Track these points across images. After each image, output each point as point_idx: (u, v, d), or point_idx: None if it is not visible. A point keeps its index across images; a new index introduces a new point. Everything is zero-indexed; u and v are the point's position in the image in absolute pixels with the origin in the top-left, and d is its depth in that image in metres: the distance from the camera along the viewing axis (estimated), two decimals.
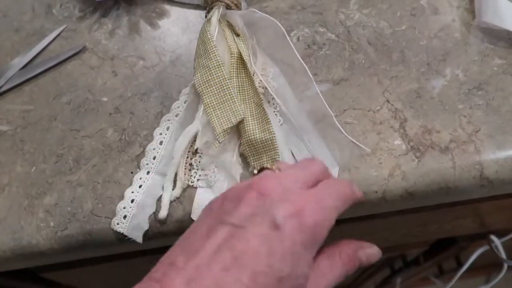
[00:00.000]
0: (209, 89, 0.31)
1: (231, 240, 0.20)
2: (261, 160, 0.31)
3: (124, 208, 0.31)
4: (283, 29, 0.33)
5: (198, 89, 0.32)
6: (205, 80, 0.31)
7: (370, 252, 0.25)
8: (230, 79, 0.32)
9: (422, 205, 0.35)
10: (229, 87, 0.31)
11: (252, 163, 0.32)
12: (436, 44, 0.38)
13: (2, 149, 0.35)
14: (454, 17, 0.40)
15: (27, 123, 0.36)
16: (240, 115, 0.31)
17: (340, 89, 0.36)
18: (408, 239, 0.50)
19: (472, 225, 0.48)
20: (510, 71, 0.37)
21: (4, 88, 0.37)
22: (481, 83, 0.36)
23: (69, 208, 0.32)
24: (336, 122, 0.34)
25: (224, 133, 0.31)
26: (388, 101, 0.36)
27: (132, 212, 0.31)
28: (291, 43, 0.33)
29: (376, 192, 0.32)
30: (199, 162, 0.32)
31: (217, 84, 0.31)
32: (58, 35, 0.40)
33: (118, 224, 0.30)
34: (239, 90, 0.32)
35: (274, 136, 0.31)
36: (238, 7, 0.35)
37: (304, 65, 0.33)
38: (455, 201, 0.35)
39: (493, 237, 0.52)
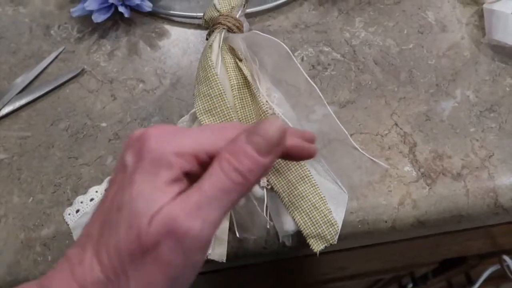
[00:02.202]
0: (211, 119, 0.30)
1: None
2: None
3: (82, 202, 0.32)
4: (289, 50, 0.32)
5: (199, 118, 0.30)
6: (206, 109, 0.30)
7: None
8: (234, 109, 0.31)
9: (433, 233, 0.34)
10: (232, 118, 0.30)
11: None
12: (445, 64, 0.37)
13: None
14: (463, 35, 0.39)
15: (24, 150, 0.35)
16: None
17: (347, 112, 0.35)
18: (417, 259, 0.49)
19: (483, 246, 0.46)
20: None
21: (1, 114, 0.36)
22: (493, 105, 0.35)
23: (67, 241, 0.31)
24: (352, 140, 0.32)
25: None
26: (396, 124, 0.34)
27: (86, 209, 0.31)
28: (297, 63, 0.32)
29: (386, 221, 0.31)
30: None
31: (219, 114, 0.30)
32: (56, 57, 0.39)
33: (69, 214, 0.32)
34: (245, 119, 0.31)
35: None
36: (240, 29, 0.34)
37: (314, 86, 0.32)
38: (467, 228, 0.34)
39: (505, 257, 0.51)
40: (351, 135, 0.34)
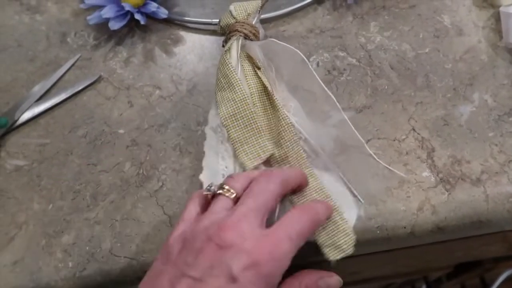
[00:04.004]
0: (235, 123, 0.30)
1: None
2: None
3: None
4: (304, 58, 0.32)
5: (224, 123, 0.31)
6: (231, 113, 0.30)
7: (330, 281, 0.26)
8: (260, 117, 0.31)
9: (452, 238, 0.33)
10: (256, 121, 0.30)
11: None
12: (462, 68, 0.37)
13: (19, 185, 0.34)
14: (480, 38, 0.38)
15: (43, 157, 0.35)
16: (269, 150, 0.30)
17: (363, 117, 0.35)
18: (432, 264, 0.48)
19: (500, 250, 0.46)
20: None
21: (20, 121, 0.37)
22: (511, 109, 0.35)
23: (87, 248, 0.31)
24: (368, 148, 0.32)
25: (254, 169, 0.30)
26: (414, 129, 0.34)
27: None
28: (313, 71, 0.32)
29: (405, 227, 0.31)
30: None
31: (243, 118, 0.30)
32: (73, 64, 0.40)
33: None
34: (267, 126, 0.31)
35: (312, 170, 0.30)
36: (256, 36, 0.34)
37: (330, 94, 0.32)
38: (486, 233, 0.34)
39: None
40: (368, 140, 0.34)
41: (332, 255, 0.28)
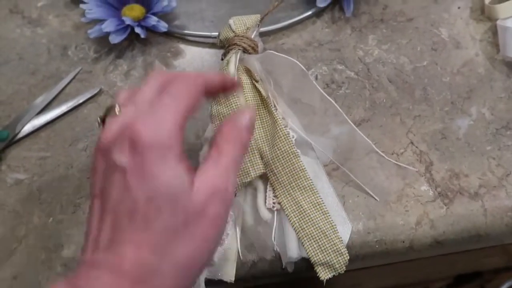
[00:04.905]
0: None
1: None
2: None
3: None
4: (304, 68, 0.33)
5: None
6: None
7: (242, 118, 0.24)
8: (257, 130, 0.31)
9: (450, 252, 0.33)
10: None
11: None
12: (459, 81, 0.37)
13: (20, 199, 0.34)
14: (477, 51, 0.39)
15: (44, 171, 0.35)
16: (261, 169, 0.30)
17: (362, 130, 0.35)
18: (433, 275, 0.48)
19: (500, 261, 0.46)
20: None
21: (21, 135, 0.37)
22: (509, 122, 0.35)
23: None
24: (377, 149, 0.33)
25: (241, 186, 0.30)
26: (412, 142, 0.34)
27: None
28: (313, 81, 0.32)
29: (403, 242, 0.31)
30: None
31: None
32: (74, 77, 0.40)
33: None
34: (264, 139, 0.31)
35: (312, 183, 0.30)
36: (255, 50, 0.34)
37: (332, 101, 0.32)
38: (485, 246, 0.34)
39: None
40: (366, 154, 0.34)
41: (324, 274, 0.29)
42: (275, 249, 0.30)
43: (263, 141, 0.31)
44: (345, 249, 0.29)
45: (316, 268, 0.29)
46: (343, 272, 0.29)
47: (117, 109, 0.23)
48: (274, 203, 0.31)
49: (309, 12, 0.41)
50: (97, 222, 0.22)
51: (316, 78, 0.38)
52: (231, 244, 0.30)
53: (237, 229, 0.31)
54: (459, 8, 0.41)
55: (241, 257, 0.30)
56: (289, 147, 0.31)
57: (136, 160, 0.20)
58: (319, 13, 0.42)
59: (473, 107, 0.36)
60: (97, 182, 0.22)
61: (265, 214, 0.31)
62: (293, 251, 0.29)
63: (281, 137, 0.31)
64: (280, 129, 0.31)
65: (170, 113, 0.21)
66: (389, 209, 0.32)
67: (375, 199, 0.32)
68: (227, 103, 0.31)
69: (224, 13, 0.43)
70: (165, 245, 0.20)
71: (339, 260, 0.29)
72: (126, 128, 0.21)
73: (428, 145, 0.34)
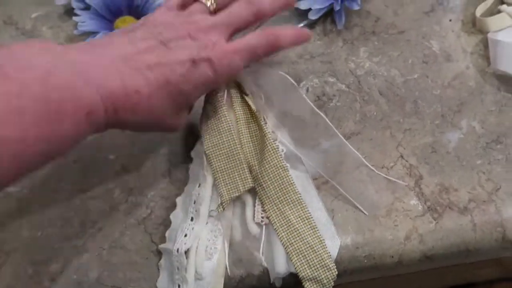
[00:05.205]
0: (218, 153, 0.30)
1: None
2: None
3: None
4: (293, 82, 0.33)
5: (207, 151, 0.31)
6: (215, 143, 0.31)
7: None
8: (246, 143, 0.31)
9: (439, 266, 0.33)
10: (239, 153, 0.30)
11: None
12: (450, 94, 0.37)
13: (8, 212, 0.34)
14: (468, 64, 0.39)
15: (34, 183, 0.35)
16: (249, 184, 0.30)
17: (352, 144, 0.35)
18: (425, 287, 0.48)
19: (492, 274, 0.46)
20: None
21: None
22: (499, 136, 0.35)
23: (75, 276, 0.31)
24: (368, 164, 0.33)
25: (229, 200, 0.30)
26: (402, 156, 0.34)
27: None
28: (303, 95, 0.33)
29: (392, 257, 0.31)
30: (192, 228, 0.30)
31: (226, 149, 0.30)
32: None
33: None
34: (253, 153, 0.31)
35: (301, 197, 0.30)
36: None
37: (323, 115, 0.32)
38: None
39: None
40: (356, 167, 0.34)
41: None
42: (263, 264, 0.30)
43: (252, 155, 0.31)
44: (333, 264, 0.29)
45: (304, 283, 0.29)
46: (331, 287, 0.29)
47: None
48: (262, 217, 0.31)
49: (301, 25, 0.41)
50: None
51: (307, 90, 0.38)
52: (220, 259, 0.30)
53: (226, 244, 0.31)
54: (450, 20, 0.41)
55: (229, 272, 0.30)
56: (278, 161, 0.31)
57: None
58: (311, 25, 0.42)
59: (464, 120, 0.36)
60: None
61: (253, 228, 0.31)
62: (281, 266, 0.29)
63: (270, 151, 0.31)
64: (269, 143, 0.31)
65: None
66: (378, 223, 0.31)
67: (364, 214, 0.32)
68: (216, 117, 0.31)
69: None
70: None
71: (327, 275, 0.28)
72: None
73: (418, 158, 0.34)
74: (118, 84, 0.25)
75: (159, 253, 0.32)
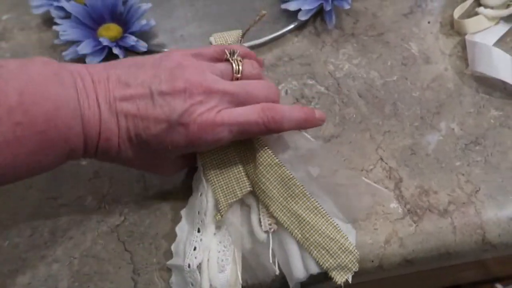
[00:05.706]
0: (212, 157, 0.29)
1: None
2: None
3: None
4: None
5: (201, 159, 0.30)
6: (208, 150, 0.30)
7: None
8: (241, 149, 0.30)
9: (421, 270, 0.33)
10: (234, 156, 0.30)
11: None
12: (429, 96, 0.37)
13: None
14: (446, 66, 0.39)
15: (1, 191, 0.34)
16: (247, 188, 0.29)
17: (331, 146, 0.35)
18: None
19: (475, 276, 0.45)
20: (508, 123, 0.35)
21: None
22: (478, 137, 0.35)
23: None
24: (348, 167, 0.33)
25: (228, 207, 0.29)
26: (381, 159, 0.34)
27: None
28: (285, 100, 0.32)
29: (373, 261, 0.30)
30: (200, 240, 0.29)
31: (219, 152, 0.30)
32: None
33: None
34: (244, 158, 0.30)
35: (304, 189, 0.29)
36: None
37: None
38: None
39: (498, 286, 0.50)
40: (335, 170, 0.33)
41: (340, 277, 0.28)
42: (275, 271, 0.29)
43: (248, 161, 0.30)
44: (354, 245, 0.28)
45: (330, 274, 0.28)
46: (357, 269, 0.28)
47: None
48: (270, 224, 0.29)
49: (291, 26, 0.40)
50: None
51: (286, 93, 0.38)
52: (232, 269, 0.29)
53: (237, 253, 0.29)
54: (429, 22, 0.41)
55: (240, 281, 0.29)
56: (270, 159, 0.30)
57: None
58: (291, 29, 0.41)
59: (443, 122, 0.35)
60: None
61: (261, 236, 0.29)
62: (299, 271, 0.28)
63: (259, 151, 0.30)
64: (259, 144, 0.30)
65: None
66: (357, 227, 0.31)
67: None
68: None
69: (205, 30, 0.42)
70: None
71: (350, 259, 0.28)
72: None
73: (397, 161, 0.34)
74: (97, 130, 0.26)
75: (132, 262, 0.30)
